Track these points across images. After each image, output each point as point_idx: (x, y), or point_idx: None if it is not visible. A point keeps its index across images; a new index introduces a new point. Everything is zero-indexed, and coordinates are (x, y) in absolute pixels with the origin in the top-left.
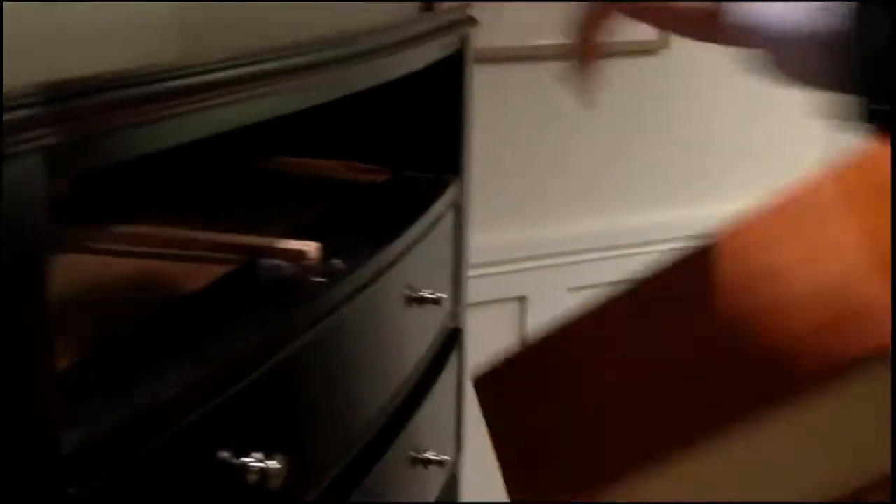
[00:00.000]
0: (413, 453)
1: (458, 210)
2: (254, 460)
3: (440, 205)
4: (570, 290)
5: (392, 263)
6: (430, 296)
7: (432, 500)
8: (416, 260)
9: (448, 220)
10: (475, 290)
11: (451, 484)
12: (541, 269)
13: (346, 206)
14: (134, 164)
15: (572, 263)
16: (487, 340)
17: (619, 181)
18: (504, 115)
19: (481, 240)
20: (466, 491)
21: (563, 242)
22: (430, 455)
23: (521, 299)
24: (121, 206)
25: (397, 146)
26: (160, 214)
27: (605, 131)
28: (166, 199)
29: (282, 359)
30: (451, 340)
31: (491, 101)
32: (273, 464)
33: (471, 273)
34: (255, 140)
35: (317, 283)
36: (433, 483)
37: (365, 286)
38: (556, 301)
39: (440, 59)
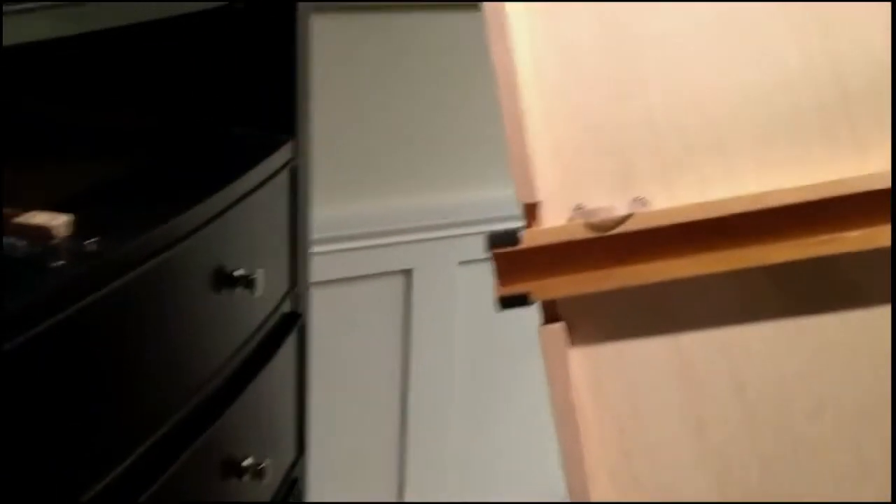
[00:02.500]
0: (226, 460)
1: (294, 174)
2: None
3: (266, 166)
4: (462, 263)
5: (185, 238)
6: (243, 275)
7: None
8: (232, 235)
9: (281, 185)
10: (358, 263)
11: (291, 489)
12: (428, 241)
13: (150, 168)
14: None
15: (461, 236)
16: (372, 316)
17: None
18: (352, 72)
19: (358, 210)
20: (315, 496)
21: (451, 213)
22: (248, 462)
23: (407, 273)
24: None
25: (224, 102)
26: None
27: (475, 87)
28: None
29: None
30: (286, 327)
31: (335, 55)
32: None
33: (347, 245)
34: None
35: (51, 267)
36: (256, 495)
37: (131, 268)
38: (446, 275)
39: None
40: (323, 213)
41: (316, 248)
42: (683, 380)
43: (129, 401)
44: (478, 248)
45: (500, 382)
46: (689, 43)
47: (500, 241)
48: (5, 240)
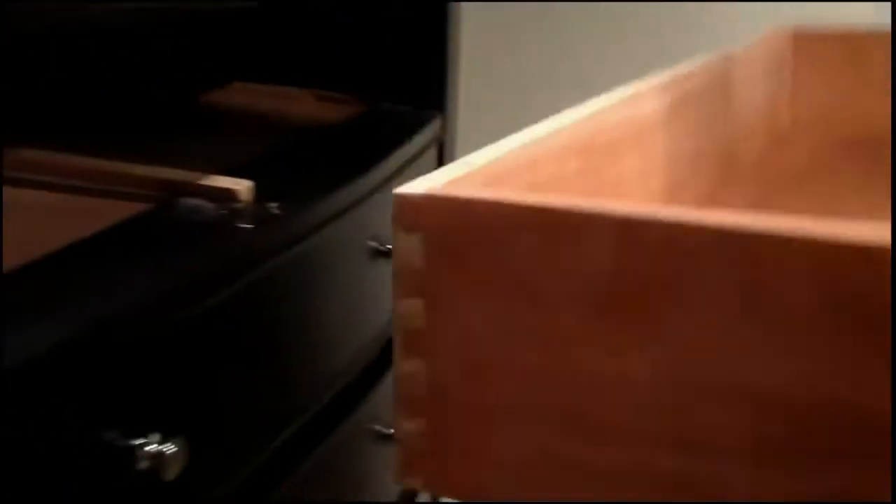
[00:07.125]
0: (378, 428)
1: (441, 150)
2: (146, 443)
3: (417, 142)
4: None
5: (349, 208)
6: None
7: None
8: (386, 206)
9: (429, 161)
10: None
11: None
12: None
13: (304, 141)
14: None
15: None
16: None
17: None
18: (495, 51)
19: None
20: None
21: None
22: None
23: None
24: (37, 132)
25: (374, 77)
26: (80, 144)
27: (609, 63)
28: (93, 129)
29: (191, 317)
30: None
31: (481, 35)
32: (170, 447)
33: None
34: (211, 70)
35: (240, 228)
36: None
37: (308, 235)
38: None
39: None
40: None
41: None
42: None
43: (296, 369)
44: None
45: None
46: None
47: None
48: (190, 200)
